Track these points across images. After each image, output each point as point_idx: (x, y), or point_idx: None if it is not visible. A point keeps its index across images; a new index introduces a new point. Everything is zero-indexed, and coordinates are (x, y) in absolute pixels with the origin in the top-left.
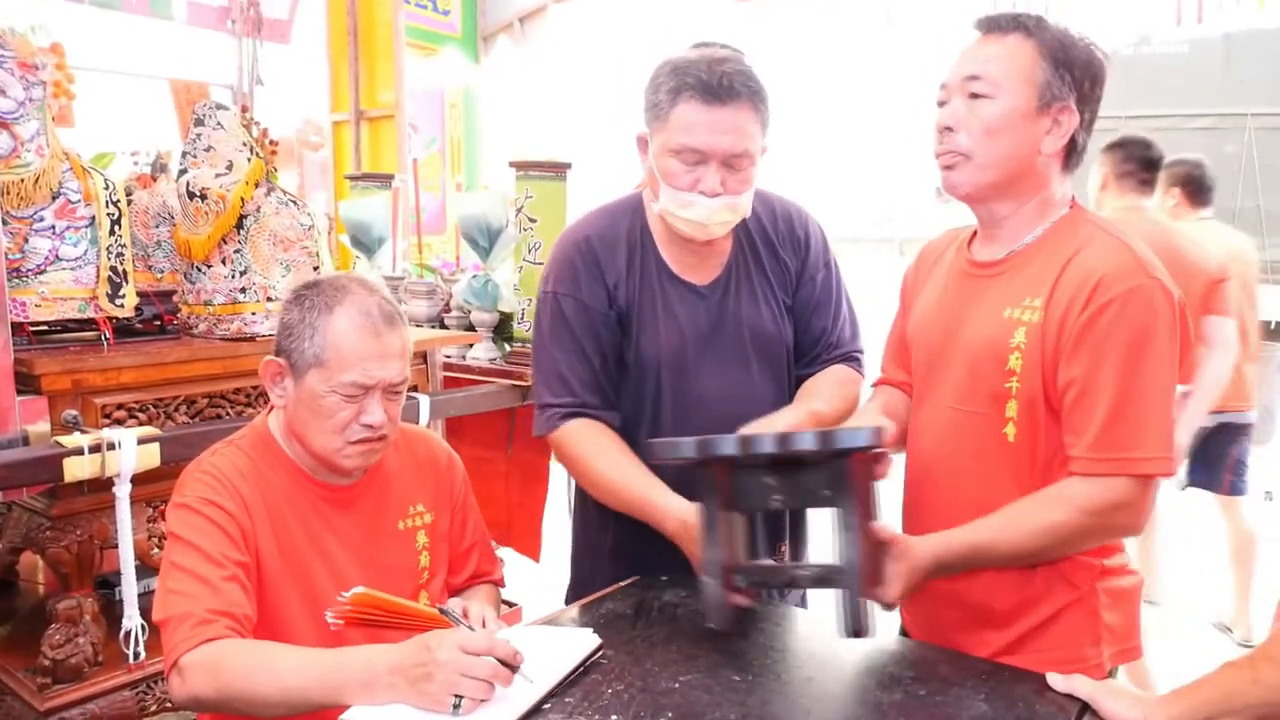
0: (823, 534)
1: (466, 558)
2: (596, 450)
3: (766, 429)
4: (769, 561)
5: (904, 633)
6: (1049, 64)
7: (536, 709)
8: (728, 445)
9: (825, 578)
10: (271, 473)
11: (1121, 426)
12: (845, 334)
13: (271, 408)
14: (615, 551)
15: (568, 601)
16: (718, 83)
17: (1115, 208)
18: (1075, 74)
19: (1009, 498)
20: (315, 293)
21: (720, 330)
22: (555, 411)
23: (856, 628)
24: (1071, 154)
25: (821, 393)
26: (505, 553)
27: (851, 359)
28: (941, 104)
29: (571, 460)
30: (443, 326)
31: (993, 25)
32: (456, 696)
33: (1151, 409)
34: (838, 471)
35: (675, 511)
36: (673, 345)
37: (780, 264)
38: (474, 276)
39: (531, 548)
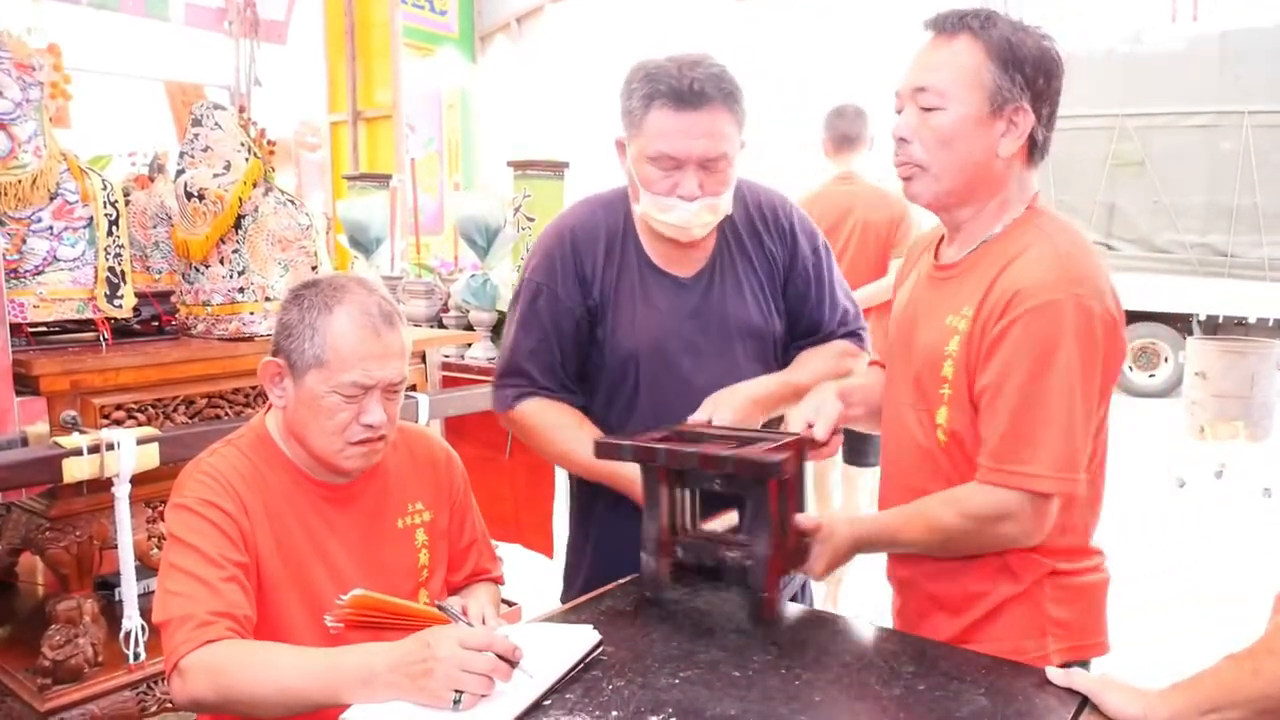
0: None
1: (466, 555)
2: (558, 424)
3: (729, 401)
4: (703, 538)
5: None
6: (997, 65)
7: (537, 705)
8: (660, 456)
9: (743, 567)
10: (270, 472)
11: (1015, 440)
12: (847, 314)
13: (269, 407)
14: (597, 544)
15: (563, 599)
16: (688, 88)
17: (830, 174)
18: (1026, 71)
19: None
20: (314, 292)
21: (702, 321)
22: (512, 391)
23: (759, 615)
24: (1033, 151)
25: (809, 364)
26: (509, 551)
27: (854, 336)
28: (898, 112)
29: (531, 434)
30: (441, 326)
31: (940, 26)
32: (457, 692)
33: (1048, 425)
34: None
35: (627, 472)
36: (651, 335)
37: (766, 253)
38: (472, 276)
39: (543, 544)
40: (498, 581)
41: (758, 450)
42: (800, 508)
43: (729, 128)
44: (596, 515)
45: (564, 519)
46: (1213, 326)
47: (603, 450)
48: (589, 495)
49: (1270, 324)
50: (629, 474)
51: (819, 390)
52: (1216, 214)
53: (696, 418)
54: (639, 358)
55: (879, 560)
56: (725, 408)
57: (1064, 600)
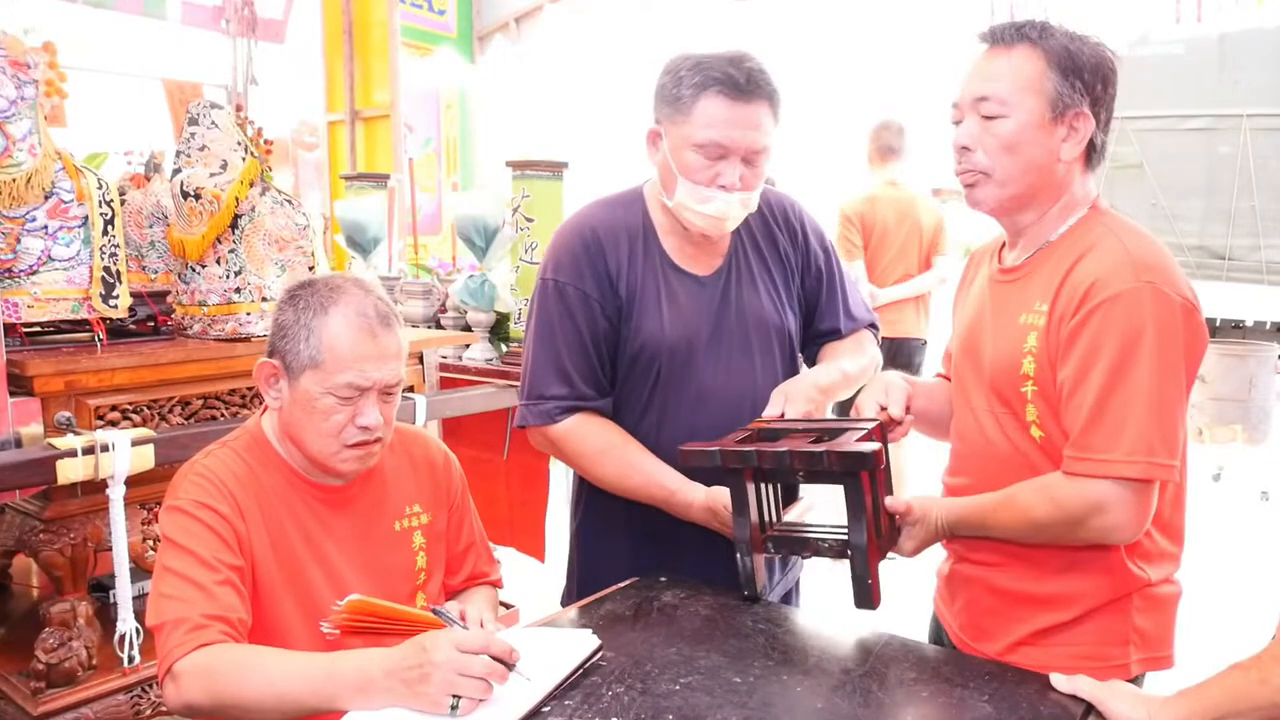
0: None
1: (464, 558)
2: (606, 445)
3: (801, 392)
4: (797, 531)
5: (936, 621)
6: (1058, 73)
7: (536, 711)
8: (751, 459)
9: (843, 551)
10: (265, 474)
11: (1099, 429)
12: (858, 312)
13: (265, 408)
14: (630, 550)
15: (564, 603)
16: (745, 79)
17: (878, 180)
18: (1085, 78)
19: None
20: (310, 293)
21: (723, 319)
22: (555, 405)
23: (863, 603)
24: (1092, 154)
25: (850, 355)
26: (504, 554)
27: (873, 326)
28: (956, 123)
29: (577, 456)
30: (439, 327)
31: (997, 37)
32: (454, 697)
33: (1133, 412)
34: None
35: (701, 499)
36: (676, 334)
37: (780, 253)
38: (470, 276)
39: (535, 548)
40: (496, 585)
41: (848, 441)
42: (889, 490)
43: (771, 124)
44: (624, 516)
45: (556, 523)
46: (1210, 329)
47: (690, 457)
48: (603, 498)
49: (1268, 327)
50: (687, 497)
51: (880, 376)
52: (1214, 217)
53: (770, 412)
54: (663, 357)
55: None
56: (799, 399)
57: (1148, 609)
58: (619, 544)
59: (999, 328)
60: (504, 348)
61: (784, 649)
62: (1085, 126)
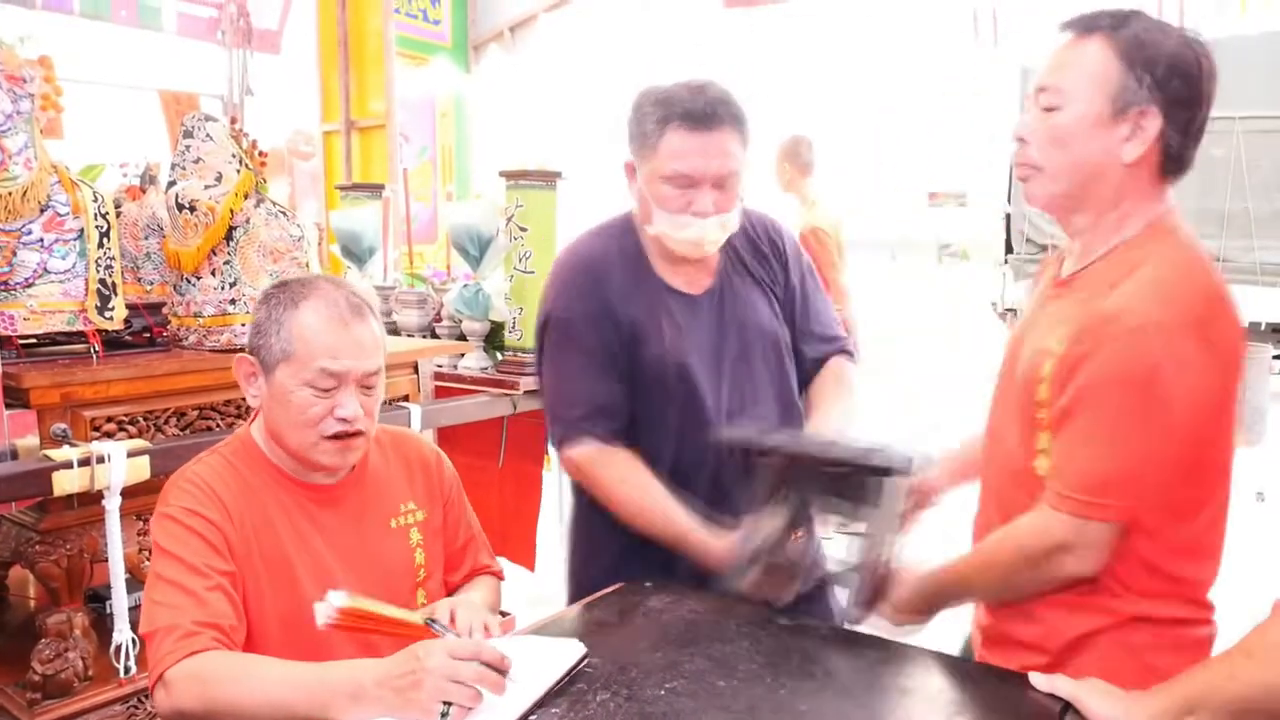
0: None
1: (463, 554)
2: (628, 479)
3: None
4: (808, 546)
5: (967, 646)
6: (1124, 65)
7: (523, 719)
8: (792, 445)
9: (841, 576)
10: (255, 477)
11: (1070, 462)
12: (834, 332)
13: (256, 415)
14: (625, 552)
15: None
16: (701, 110)
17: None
18: (1158, 73)
19: None
20: (283, 291)
21: (722, 335)
22: (582, 429)
23: (852, 619)
24: (1167, 161)
25: (829, 397)
26: (500, 562)
27: (846, 352)
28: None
29: (600, 484)
30: (434, 336)
31: (1073, 26)
32: (445, 705)
33: (1102, 447)
34: (877, 485)
35: (718, 546)
36: (680, 354)
37: (766, 267)
38: (465, 286)
39: (526, 557)
40: (498, 576)
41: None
42: (901, 532)
43: (737, 147)
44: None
45: (548, 532)
46: None
47: (730, 438)
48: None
49: (1262, 328)
50: (700, 539)
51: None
52: (1208, 219)
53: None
54: (670, 377)
55: None
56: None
57: (1166, 648)
58: (613, 547)
59: (1031, 344)
60: (499, 356)
61: (768, 653)
62: (1151, 126)
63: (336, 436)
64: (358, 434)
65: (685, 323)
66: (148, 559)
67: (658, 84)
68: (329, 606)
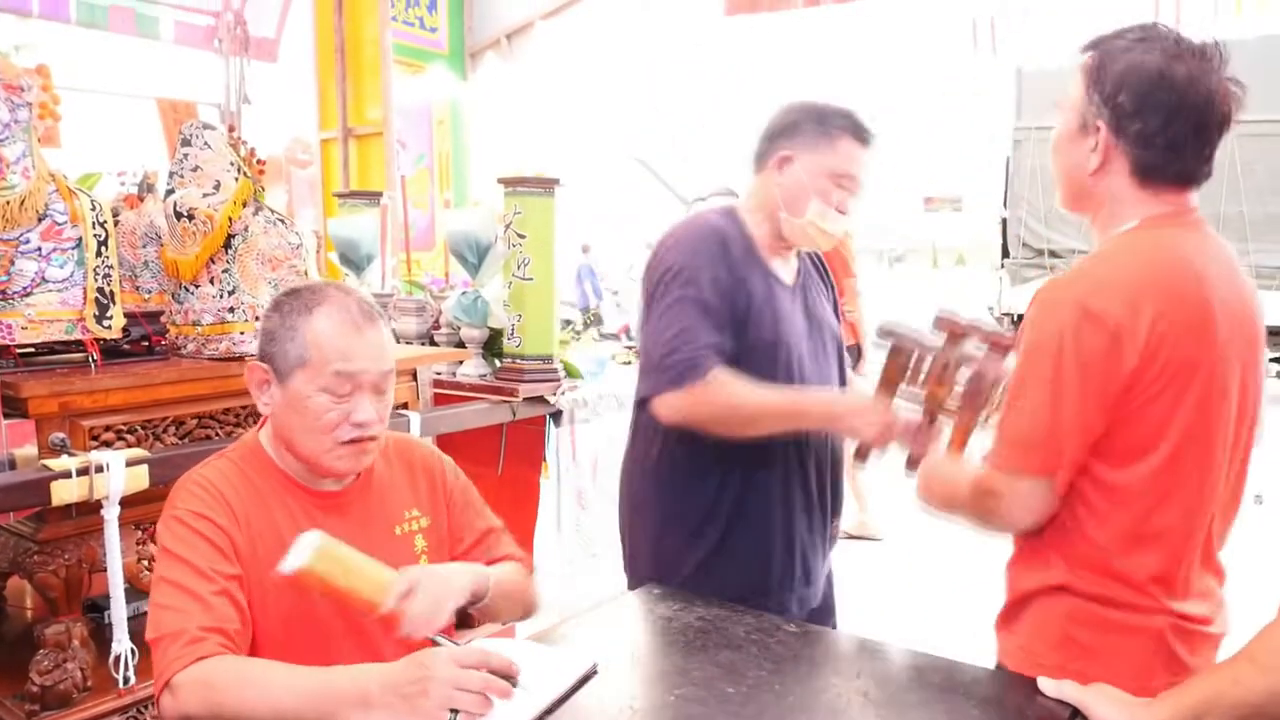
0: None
1: (475, 550)
2: (749, 386)
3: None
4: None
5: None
6: (1085, 83)
7: None
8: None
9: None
10: (262, 481)
11: (1005, 424)
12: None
13: (263, 422)
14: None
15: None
16: (867, 129)
17: None
18: (1106, 90)
19: None
20: (294, 298)
21: (809, 323)
22: (707, 359)
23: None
24: (1142, 168)
25: None
26: None
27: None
28: None
29: (725, 396)
30: (432, 343)
31: (1085, 44)
32: (452, 712)
33: (1021, 408)
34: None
35: (862, 403)
36: (785, 332)
37: (821, 271)
38: (463, 293)
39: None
40: (526, 562)
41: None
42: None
43: None
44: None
45: (544, 539)
46: None
47: (941, 321)
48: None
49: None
50: (841, 400)
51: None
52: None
53: None
54: (777, 354)
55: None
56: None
57: (1087, 623)
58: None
59: None
60: (497, 363)
61: (776, 659)
62: (1102, 140)
63: (352, 441)
64: (372, 438)
65: (785, 309)
66: (147, 569)
67: (819, 96)
68: (304, 546)
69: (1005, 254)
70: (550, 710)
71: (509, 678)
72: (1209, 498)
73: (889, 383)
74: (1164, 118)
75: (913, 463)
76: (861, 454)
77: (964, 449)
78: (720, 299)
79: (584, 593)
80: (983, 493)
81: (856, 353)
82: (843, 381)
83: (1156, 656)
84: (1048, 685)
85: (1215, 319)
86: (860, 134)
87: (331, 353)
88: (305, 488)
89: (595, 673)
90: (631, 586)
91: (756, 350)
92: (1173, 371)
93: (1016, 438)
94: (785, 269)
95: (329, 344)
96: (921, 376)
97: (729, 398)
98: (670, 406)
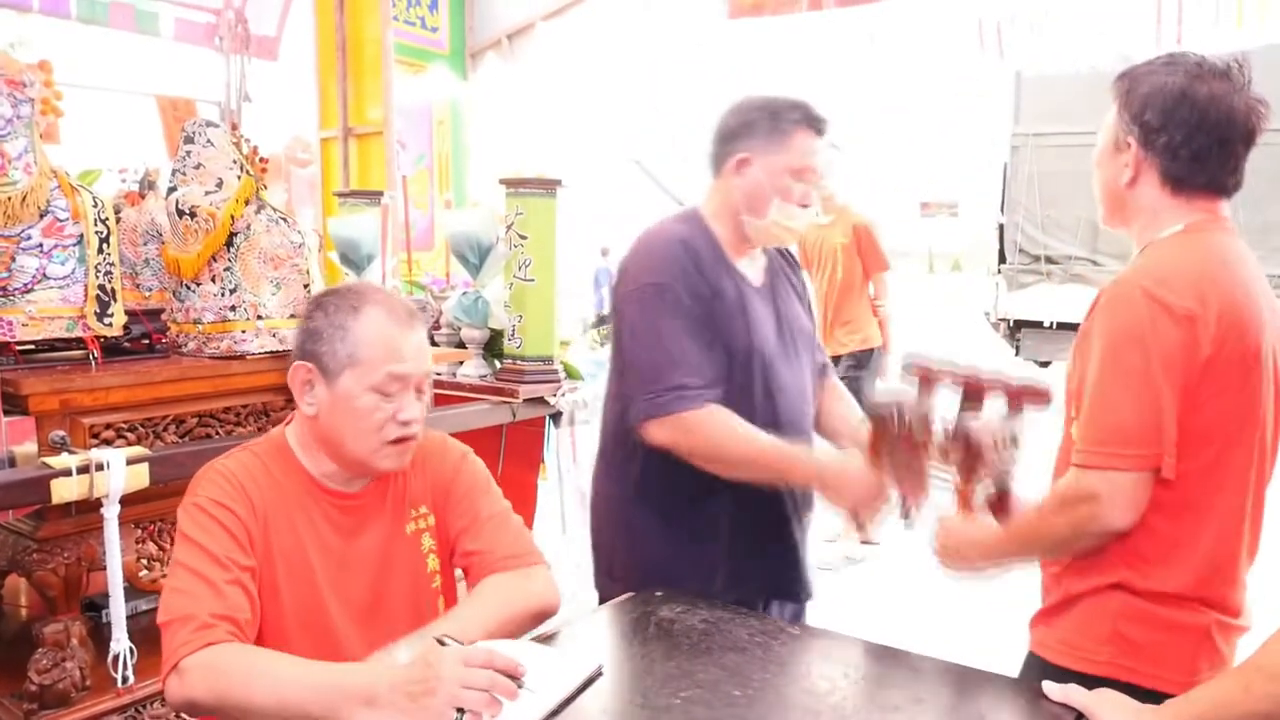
0: None
1: (470, 531)
2: (743, 428)
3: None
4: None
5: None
6: (1118, 106)
7: None
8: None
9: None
10: (284, 478)
11: (1093, 421)
12: (821, 345)
13: (289, 420)
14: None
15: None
16: (819, 117)
17: None
18: (1133, 109)
19: None
20: (338, 297)
21: (780, 326)
22: (696, 393)
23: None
24: (1172, 179)
25: (851, 418)
26: None
27: (825, 366)
28: None
29: (712, 438)
30: (433, 344)
31: (1118, 76)
32: (459, 711)
33: (1112, 404)
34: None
35: (851, 466)
36: (759, 338)
37: (793, 270)
38: (464, 293)
39: None
40: (526, 561)
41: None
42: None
43: None
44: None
45: (550, 542)
46: None
47: (913, 367)
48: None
49: None
50: (829, 463)
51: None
52: None
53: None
54: (752, 359)
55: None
56: None
57: (1136, 619)
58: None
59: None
60: (498, 364)
61: (781, 661)
62: (1132, 156)
63: (397, 440)
64: (414, 437)
65: (756, 313)
66: (146, 568)
67: (763, 90)
68: None
69: (1002, 259)
70: (556, 712)
71: (514, 678)
72: (1260, 491)
73: (876, 450)
74: (1187, 131)
75: (906, 513)
76: (857, 523)
77: (973, 509)
78: (701, 310)
79: (590, 595)
80: (1074, 501)
81: (880, 358)
82: (812, 383)
83: (1201, 651)
84: (1053, 689)
85: (1263, 318)
86: (815, 124)
87: (384, 352)
88: (327, 490)
89: (600, 674)
90: (604, 598)
91: (730, 358)
92: (1235, 363)
93: (1111, 434)
94: (753, 269)
95: (381, 344)
96: (908, 431)
97: (720, 439)
98: (657, 432)
